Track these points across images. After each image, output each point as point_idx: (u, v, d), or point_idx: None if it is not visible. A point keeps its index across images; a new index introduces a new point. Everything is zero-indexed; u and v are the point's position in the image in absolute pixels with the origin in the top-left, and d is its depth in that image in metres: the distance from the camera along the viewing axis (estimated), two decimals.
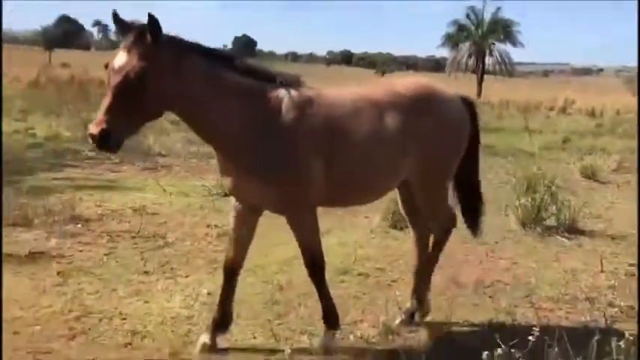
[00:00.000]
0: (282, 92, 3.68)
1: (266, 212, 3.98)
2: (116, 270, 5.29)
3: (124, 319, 4.33)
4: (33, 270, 5.18)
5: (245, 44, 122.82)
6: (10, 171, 9.01)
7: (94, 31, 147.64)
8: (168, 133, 13.24)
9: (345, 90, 4.15)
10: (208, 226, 6.80)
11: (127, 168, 10.02)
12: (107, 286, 4.91)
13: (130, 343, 3.97)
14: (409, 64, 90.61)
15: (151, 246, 6.04)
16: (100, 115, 3.13)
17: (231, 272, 4.00)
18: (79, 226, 6.50)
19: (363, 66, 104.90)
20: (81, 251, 5.76)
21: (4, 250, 5.52)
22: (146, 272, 5.29)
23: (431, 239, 4.52)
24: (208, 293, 4.81)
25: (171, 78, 3.32)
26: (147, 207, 7.41)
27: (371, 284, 5.26)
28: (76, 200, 7.18)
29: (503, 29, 44.87)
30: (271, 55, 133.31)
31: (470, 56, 44.21)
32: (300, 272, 5.44)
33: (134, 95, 3.18)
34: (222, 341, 3.97)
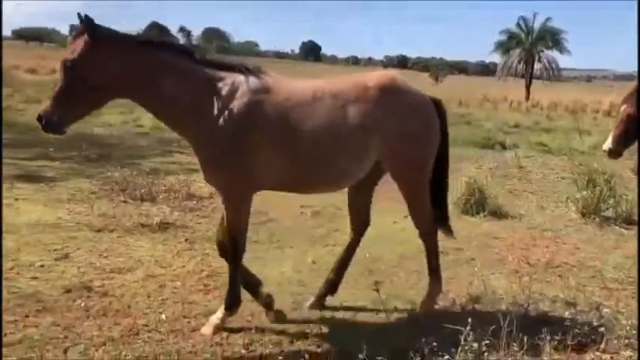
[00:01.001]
0: (239, 78, 3.54)
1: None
2: None
3: None
4: (164, 237, 5.57)
5: (310, 49, 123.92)
6: (127, 155, 9.64)
7: (179, 36, 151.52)
8: None
9: (309, 81, 3.91)
10: (302, 206, 7.07)
11: None
12: (213, 254, 5.21)
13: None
14: (460, 68, 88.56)
15: (257, 221, 6.32)
16: (44, 103, 3.30)
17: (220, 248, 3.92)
18: (195, 202, 6.90)
19: (417, 69, 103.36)
20: (200, 223, 6.14)
21: (139, 220, 5.97)
22: (256, 242, 5.58)
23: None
24: (313, 262, 5.08)
25: (111, 67, 3.28)
26: None
27: (450, 260, 5.39)
28: (190, 181, 7.59)
29: (551, 37, 43.49)
30: (333, 58, 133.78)
31: (519, 62, 43.09)
32: (386, 248, 5.66)
33: (72, 84, 3.23)
34: (332, 301, 4.24)
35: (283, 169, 3.60)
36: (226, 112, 3.45)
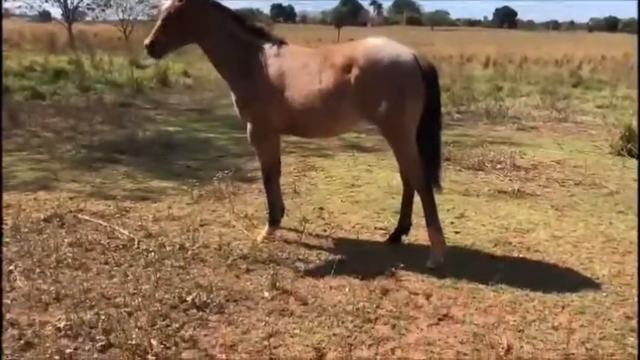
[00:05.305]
0: (265, 45, 4.63)
1: None
2: (589, 208, 5.99)
3: None
4: (529, 204, 6.10)
5: (505, 15, 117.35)
6: None
7: (371, 8, 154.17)
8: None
9: (313, 49, 4.86)
10: (634, 180, 7.12)
11: (503, 128, 10.78)
12: (590, 221, 5.60)
13: None
14: None
15: (598, 192, 6.59)
16: (150, 35, 4.54)
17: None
18: (523, 172, 7.34)
19: (630, 32, 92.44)
20: (549, 192, 6.56)
21: (494, 187, 6.58)
22: (599, 217, 5.79)
23: None
24: None
25: (196, 18, 4.55)
26: (563, 160, 8.02)
27: None
28: (511, 152, 8.03)
29: None
30: (530, 24, 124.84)
31: None
32: None
33: (170, 24, 4.52)
34: None
35: (284, 116, 4.54)
36: (249, 68, 4.61)
